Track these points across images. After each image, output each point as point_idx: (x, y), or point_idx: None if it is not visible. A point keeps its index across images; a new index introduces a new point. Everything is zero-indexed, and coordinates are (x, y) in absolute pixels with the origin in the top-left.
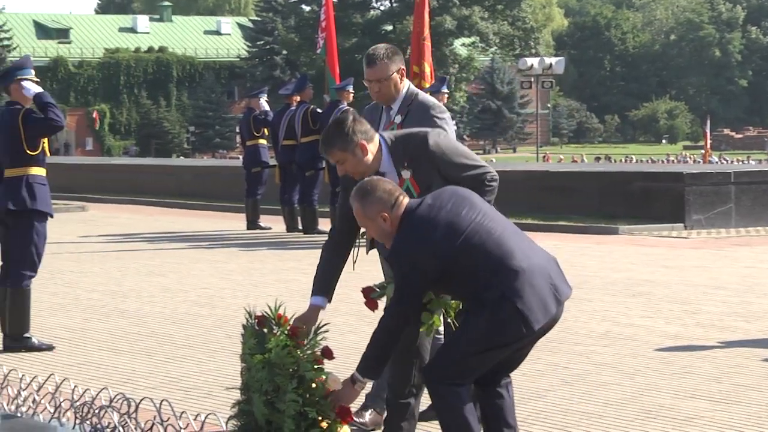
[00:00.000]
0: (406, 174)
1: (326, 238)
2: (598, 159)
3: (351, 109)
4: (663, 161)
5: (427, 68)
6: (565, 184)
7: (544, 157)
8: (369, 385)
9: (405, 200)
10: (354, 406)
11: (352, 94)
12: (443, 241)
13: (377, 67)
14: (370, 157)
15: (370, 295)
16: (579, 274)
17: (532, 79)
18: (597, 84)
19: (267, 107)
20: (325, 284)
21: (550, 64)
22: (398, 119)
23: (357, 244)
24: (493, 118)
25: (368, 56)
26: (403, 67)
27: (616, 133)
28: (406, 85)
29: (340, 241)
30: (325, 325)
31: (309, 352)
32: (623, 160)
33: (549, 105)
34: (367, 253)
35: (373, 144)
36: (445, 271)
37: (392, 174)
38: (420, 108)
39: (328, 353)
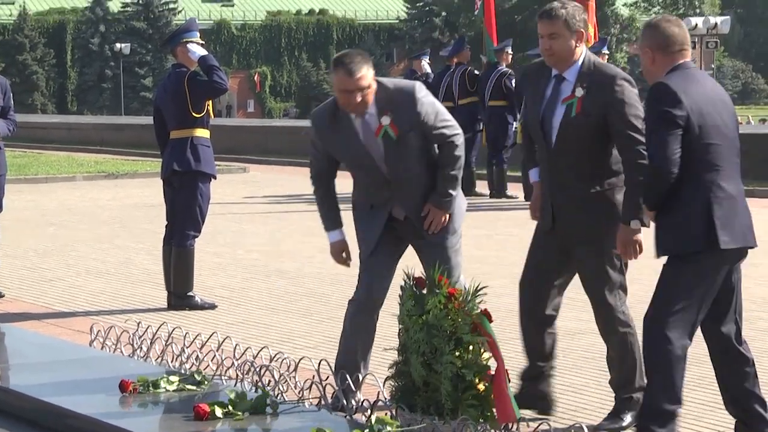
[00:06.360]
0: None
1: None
2: (763, 121)
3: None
4: None
5: (591, 29)
6: None
7: None
8: None
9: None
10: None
11: (510, 56)
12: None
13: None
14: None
15: None
16: None
17: (696, 39)
18: (764, 43)
19: (429, 69)
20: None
21: (715, 23)
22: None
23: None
24: None
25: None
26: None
27: None
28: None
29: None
30: (483, 287)
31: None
32: None
33: (713, 66)
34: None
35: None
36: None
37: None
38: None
39: (487, 315)
